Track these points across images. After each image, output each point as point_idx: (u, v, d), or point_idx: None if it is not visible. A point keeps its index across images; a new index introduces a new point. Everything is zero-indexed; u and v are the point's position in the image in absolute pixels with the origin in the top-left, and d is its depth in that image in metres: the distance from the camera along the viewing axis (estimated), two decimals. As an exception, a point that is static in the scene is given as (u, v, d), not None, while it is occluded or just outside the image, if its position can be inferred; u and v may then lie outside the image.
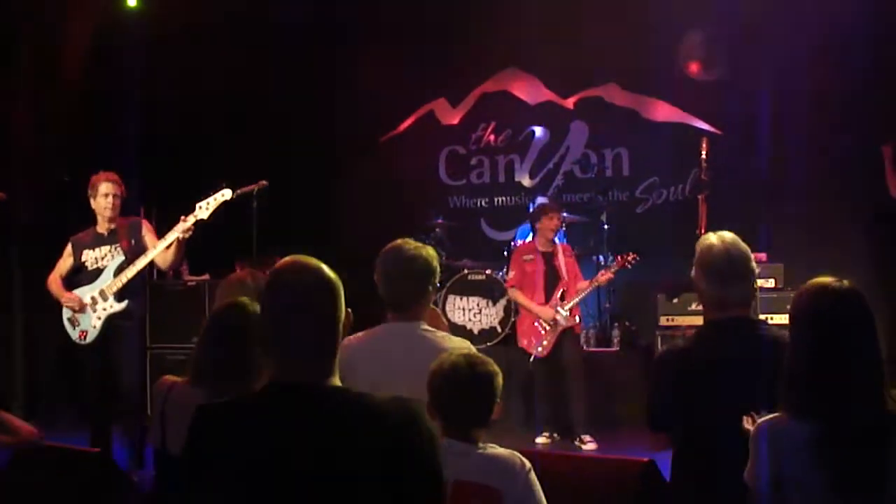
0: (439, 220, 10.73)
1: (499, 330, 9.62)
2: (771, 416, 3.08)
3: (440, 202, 11.86)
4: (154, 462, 4.07)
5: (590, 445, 8.19)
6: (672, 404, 3.72)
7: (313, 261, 2.66)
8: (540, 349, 8.52)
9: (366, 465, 2.35)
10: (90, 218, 7.29)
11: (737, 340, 3.70)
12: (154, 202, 10.30)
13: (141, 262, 7.03)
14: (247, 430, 2.45)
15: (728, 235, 3.81)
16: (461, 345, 3.76)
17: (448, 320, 9.58)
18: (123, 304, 7.08)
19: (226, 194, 7.00)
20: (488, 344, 9.41)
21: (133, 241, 7.16)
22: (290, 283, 2.58)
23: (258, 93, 11.57)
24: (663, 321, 9.22)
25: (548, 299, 8.61)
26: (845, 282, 3.09)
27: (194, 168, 10.57)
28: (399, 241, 4.11)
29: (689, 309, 8.98)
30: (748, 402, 3.21)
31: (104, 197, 7.13)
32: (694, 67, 10.88)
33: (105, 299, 7.08)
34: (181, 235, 6.87)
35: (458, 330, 9.53)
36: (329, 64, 11.80)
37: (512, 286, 8.85)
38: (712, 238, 3.82)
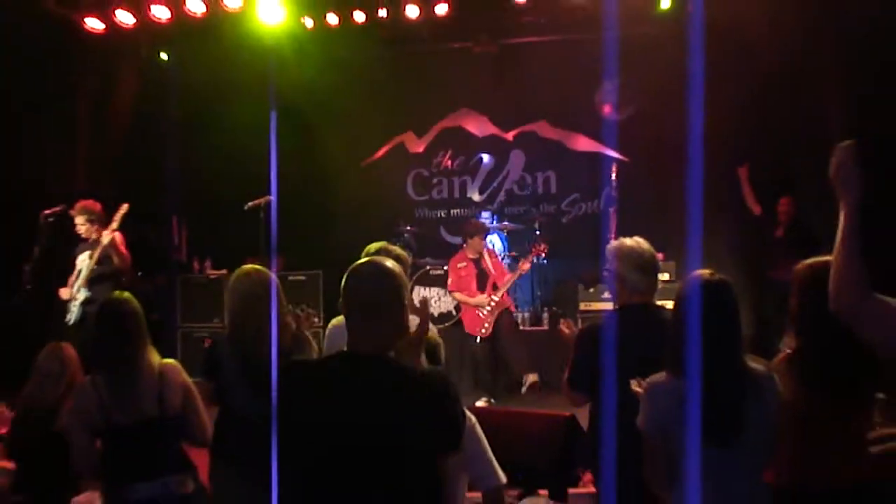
0: (408, 228, 10.87)
1: (454, 313, 9.62)
2: (657, 375, 3.14)
3: (408, 213, 11.84)
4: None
5: (531, 378, 8.30)
6: (589, 369, 3.75)
7: (384, 260, 2.69)
8: (483, 330, 8.60)
9: (409, 420, 2.43)
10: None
11: (642, 320, 3.78)
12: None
13: (89, 261, 7.43)
14: (318, 386, 2.53)
15: (644, 241, 3.92)
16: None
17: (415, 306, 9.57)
18: (86, 293, 7.46)
19: (123, 208, 7.37)
20: (446, 324, 9.43)
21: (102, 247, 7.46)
22: (360, 274, 2.63)
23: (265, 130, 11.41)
24: (582, 306, 9.32)
25: (482, 293, 8.71)
26: (717, 275, 3.16)
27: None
28: (377, 244, 4.17)
29: (602, 297, 9.09)
30: (648, 367, 3.25)
31: (77, 225, 7.51)
32: (607, 109, 10.96)
33: (80, 290, 7.49)
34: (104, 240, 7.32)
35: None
36: (326, 107, 11.62)
37: (452, 290, 8.91)
38: (636, 242, 3.92)
